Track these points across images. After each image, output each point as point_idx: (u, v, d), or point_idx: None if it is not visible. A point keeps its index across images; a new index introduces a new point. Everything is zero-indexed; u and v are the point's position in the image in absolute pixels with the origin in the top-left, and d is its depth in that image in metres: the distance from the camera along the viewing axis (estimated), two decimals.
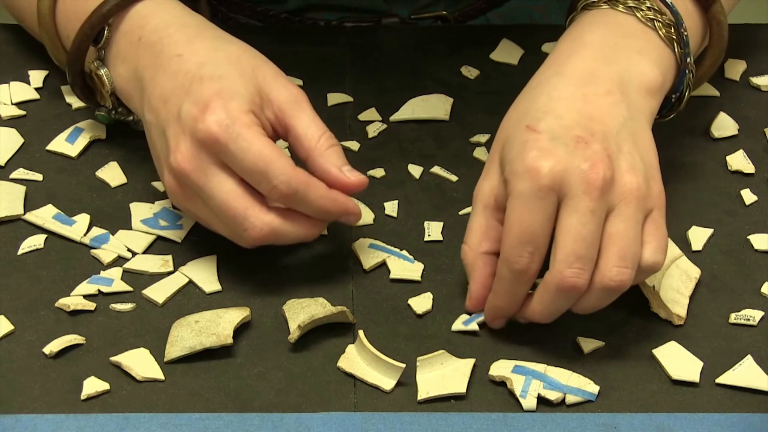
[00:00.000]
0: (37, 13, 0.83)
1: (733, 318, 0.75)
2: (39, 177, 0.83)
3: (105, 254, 0.78)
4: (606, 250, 0.69)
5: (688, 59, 0.78)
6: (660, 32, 0.77)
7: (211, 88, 0.72)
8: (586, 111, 0.72)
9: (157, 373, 0.70)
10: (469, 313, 0.74)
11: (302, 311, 0.74)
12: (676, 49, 0.77)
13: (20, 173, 0.83)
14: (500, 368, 0.71)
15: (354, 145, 0.87)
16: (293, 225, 0.73)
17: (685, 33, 0.78)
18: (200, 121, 0.71)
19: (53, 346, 0.71)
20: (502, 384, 0.70)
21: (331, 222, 0.76)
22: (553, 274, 0.69)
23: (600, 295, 0.70)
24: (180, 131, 0.73)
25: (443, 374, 0.70)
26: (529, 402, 0.69)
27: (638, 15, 0.77)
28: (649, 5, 0.78)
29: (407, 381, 0.70)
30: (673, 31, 0.77)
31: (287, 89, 0.75)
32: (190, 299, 0.76)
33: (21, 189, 0.82)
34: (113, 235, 0.79)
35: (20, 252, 0.78)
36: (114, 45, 0.79)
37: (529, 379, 0.70)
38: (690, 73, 0.79)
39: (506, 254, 0.70)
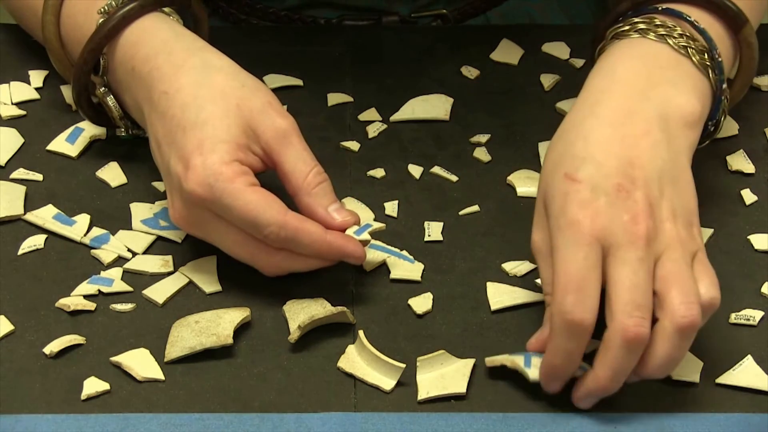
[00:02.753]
0: (43, 38, 0.83)
1: (733, 318, 0.75)
2: (39, 177, 0.83)
3: (105, 254, 0.78)
4: (666, 293, 0.66)
5: (723, 85, 0.76)
6: (694, 59, 0.75)
7: (193, 141, 0.72)
8: (625, 155, 0.69)
9: (157, 373, 0.70)
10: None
11: (302, 311, 0.74)
12: (710, 76, 0.76)
13: (20, 173, 0.84)
14: (495, 358, 0.71)
15: (354, 145, 0.87)
16: (305, 258, 0.73)
17: (719, 58, 0.76)
18: (184, 181, 0.71)
19: (53, 346, 0.71)
20: (502, 384, 0.70)
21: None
22: (614, 328, 0.66)
23: (675, 340, 0.66)
24: (171, 187, 0.74)
25: (443, 374, 0.70)
26: (534, 372, 0.69)
27: (670, 42, 0.75)
28: (680, 32, 0.75)
29: (407, 381, 0.70)
30: (707, 57, 0.75)
31: (274, 123, 0.73)
32: (190, 299, 0.75)
33: (21, 189, 0.82)
34: (113, 235, 0.79)
35: (20, 252, 0.78)
36: (114, 73, 0.80)
37: (529, 355, 0.70)
38: (725, 99, 0.77)
39: (557, 305, 0.67)
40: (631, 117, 0.71)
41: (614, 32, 0.78)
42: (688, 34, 0.76)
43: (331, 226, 0.73)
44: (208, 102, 0.73)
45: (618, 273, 0.66)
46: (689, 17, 0.77)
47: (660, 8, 0.78)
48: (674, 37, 0.75)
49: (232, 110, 0.73)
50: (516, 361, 0.70)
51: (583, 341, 0.67)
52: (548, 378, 0.69)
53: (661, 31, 0.76)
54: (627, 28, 0.77)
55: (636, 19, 0.77)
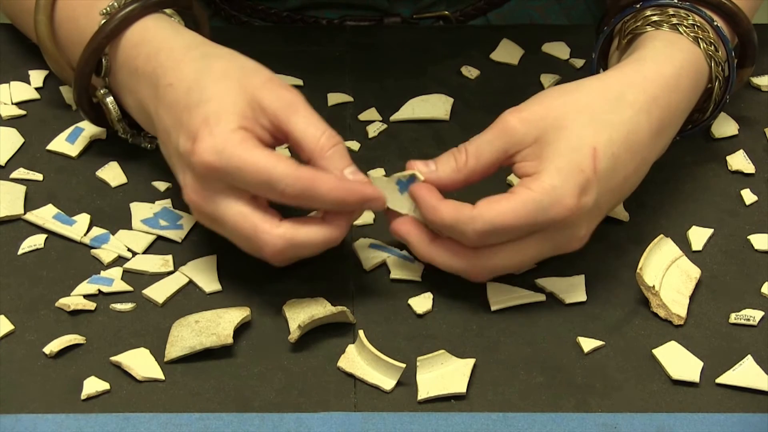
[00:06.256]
0: (37, 38, 0.83)
1: (733, 318, 0.75)
2: (39, 177, 0.84)
3: (105, 254, 0.78)
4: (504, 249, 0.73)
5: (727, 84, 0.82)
6: (702, 47, 0.80)
7: (198, 117, 0.71)
8: (630, 179, 0.76)
9: (157, 373, 0.70)
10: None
11: (302, 311, 0.74)
12: (712, 66, 0.81)
13: (20, 173, 0.84)
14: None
15: (354, 145, 0.87)
16: (310, 230, 0.71)
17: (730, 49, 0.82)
18: (193, 155, 0.71)
19: (53, 346, 0.71)
20: (502, 384, 0.70)
21: (353, 222, 0.74)
22: (477, 261, 0.73)
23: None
24: (182, 166, 0.73)
25: (443, 374, 0.70)
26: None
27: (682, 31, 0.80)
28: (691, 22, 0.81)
29: (407, 381, 0.70)
30: (713, 48, 0.80)
31: (279, 94, 0.72)
32: (190, 299, 0.76)
33: (21, 189, 0.82)
34: (113, 235, 0.79)
35: (20, 252, 0.78)
36: (116, 75, 0.79)
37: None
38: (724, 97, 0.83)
39: (476, 232, 0.71)
40: (662, 130, 0.78)
41: (632, 29, 0.82)
42: (698, 24, 0.81)
43: None
44: (211, 83, 0.73)
45: (529, 246, 0.73)
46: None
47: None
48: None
49: (235, 88, 0.72)
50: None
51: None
52: (400, 235, 0.75)
53: (677, 23, 0.81)
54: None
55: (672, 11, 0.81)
